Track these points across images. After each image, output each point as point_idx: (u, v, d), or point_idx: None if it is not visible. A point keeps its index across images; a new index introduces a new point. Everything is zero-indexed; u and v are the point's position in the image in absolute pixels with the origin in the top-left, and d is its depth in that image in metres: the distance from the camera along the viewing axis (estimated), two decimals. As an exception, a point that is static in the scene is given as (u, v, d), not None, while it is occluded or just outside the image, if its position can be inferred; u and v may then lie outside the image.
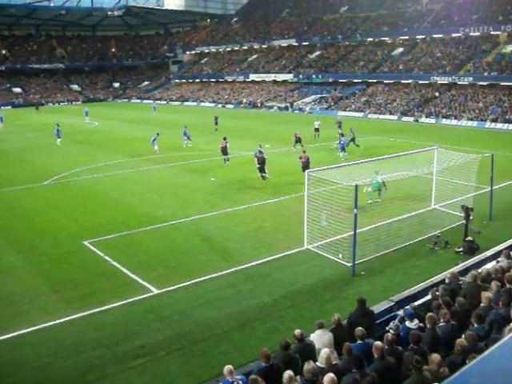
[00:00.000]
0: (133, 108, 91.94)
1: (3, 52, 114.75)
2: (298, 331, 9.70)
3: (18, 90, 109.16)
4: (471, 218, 19.46)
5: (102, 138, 49.91)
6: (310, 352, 9.37)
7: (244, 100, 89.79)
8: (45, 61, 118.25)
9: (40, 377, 11.71)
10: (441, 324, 9.64)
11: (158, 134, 40.99)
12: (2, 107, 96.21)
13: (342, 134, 37.54)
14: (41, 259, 18.69)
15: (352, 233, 16.56)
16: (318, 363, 8.44)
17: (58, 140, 45.79)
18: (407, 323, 9.95)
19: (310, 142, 41.66)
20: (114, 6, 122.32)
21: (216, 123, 53.56)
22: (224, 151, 34.85)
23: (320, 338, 9.88)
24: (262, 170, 29.81)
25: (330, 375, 7.53)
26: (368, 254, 17.56)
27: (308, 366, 8.03)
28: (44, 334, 13.32)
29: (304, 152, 30.61)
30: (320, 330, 10.08)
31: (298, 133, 39.88)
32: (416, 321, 9.92)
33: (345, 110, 72.85)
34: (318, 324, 10.23)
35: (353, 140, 39.63)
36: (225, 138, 35.40)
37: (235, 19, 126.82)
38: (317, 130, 46.31)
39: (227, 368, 8.62)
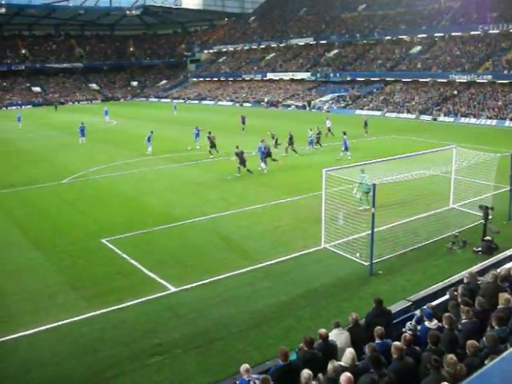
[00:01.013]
0: (151, 107, 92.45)
1: (23, 52, 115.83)
2: (323, 330, 9.66)
3: (37, 89, 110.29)
4: (490, 217, 19.31)
5: (121, 137, 50.21)
6: (332, 351, 9.37)
7: (266, 99, 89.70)
8: (64, 60, 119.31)
9: (59, 373, 11.80)
10: (464, 321, 9.59)
11: (152, 132, 40.67)
12: (23, 106, 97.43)
13: (345, 133, 37.05)
14: (60, 257, 18.84)
15: (369, 232, 16.52)
16: (340, 362, 8.43)
17: (82, 139, 46.08)
18: (426, 323, 9.88)
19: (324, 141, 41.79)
20: (132, 5, 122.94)
21: (243, 122, 52.66)
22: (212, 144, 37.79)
23: (337, 338, 9.87)
24: (242, 164, 30.82)
25: (347, 374, 7.52)
26: (386, 253, 17.48)
27: (332, 364, 8.03)
28: (63, 331, 13.44)
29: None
30: (336, 330, 10.07)
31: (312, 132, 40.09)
32: (435, 321, 9.85)
33: (362, 109, 72.68)
34: (334, 323, 10.22)
35: (318, 138, 40.21)
36: (210, 132, 38.30)
37: (253, 18, 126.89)
38: (329, 129, 46.02)
39: (244, 367, 8.63)
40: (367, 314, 10.87)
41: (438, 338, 8.77)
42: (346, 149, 35.60)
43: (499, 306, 9.87)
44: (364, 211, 20.46)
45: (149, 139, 40.03)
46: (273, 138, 38.39)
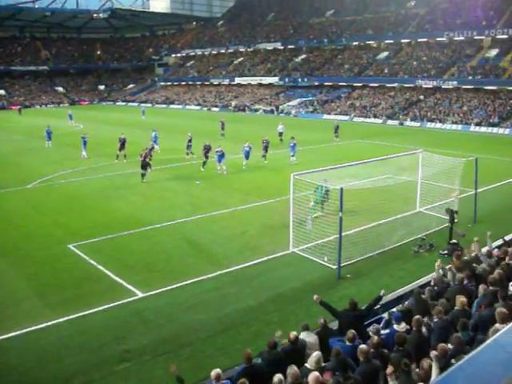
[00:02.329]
0: (118, 111, 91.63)
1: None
2: (293, 333, 9.70)
3: (1, 92, 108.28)
4: (456, 220, 19.62)
5: (87, 141, 49.55)
6: (299, 353, 9.40)
7: (233, 104, 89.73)
8: (29, 63, 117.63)
9: (25, 381, 11.59)
10: (436, 320, 9.73)
11: (86, 134, 40.25)
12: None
13: (293, 137, 37.10)
14: (25, 263, 18.50)
15: (337, 236, 16.61)
16: (306, 364, 8.46)
17: (48, 142, 45.32)
18: (395, 326, 9.98)
19: (276, 147, 41.48)
20: (100, 8, 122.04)
21: (222, 128, 51.44)
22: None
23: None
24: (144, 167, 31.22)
25: (315, 374, 7.57)
26: (353, 256, 17.61)
27: (290, 370, 8.05)
28: (28, 339, 13.18)
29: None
30: (305, 333, 10.10)
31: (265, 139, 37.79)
32: (403, 324, 9.95)
33: (330, 114, 73.19)
34: (302, 326, 10.25)
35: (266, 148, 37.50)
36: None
37: (221, 22, 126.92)
38: (280, 134, 45.82)
39: (215, 373, 8.54)
40: (340, 315, 10.94)
41: (404, 340, 8.86)
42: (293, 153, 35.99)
43: (456, 308, 10.09)
44: (323, 217, 20.35)
45: (84, 143, 39.52)
46: (189, 141, 38.80)
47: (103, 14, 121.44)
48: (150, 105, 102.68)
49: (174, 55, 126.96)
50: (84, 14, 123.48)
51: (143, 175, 30.77)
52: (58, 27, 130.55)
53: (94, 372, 11.80)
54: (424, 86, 70.95)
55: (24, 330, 13.47)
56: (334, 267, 16.84)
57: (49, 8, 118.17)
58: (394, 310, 10.82)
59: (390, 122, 65.82)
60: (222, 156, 32.51)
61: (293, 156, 35.82)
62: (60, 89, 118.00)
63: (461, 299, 10.15)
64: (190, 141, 38.85)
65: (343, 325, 10.54)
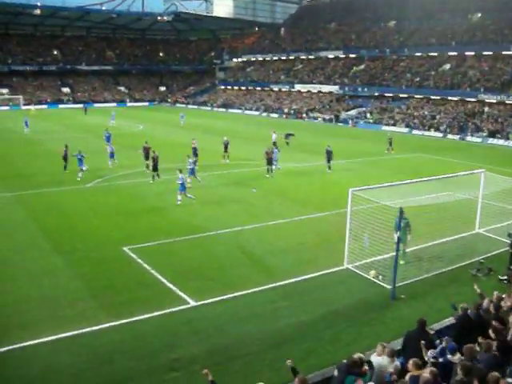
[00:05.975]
0: (178, 113, 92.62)
1: (55, 52, 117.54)
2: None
3: (66, 89, 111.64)
4: (517, 245, 18.98)
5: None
6: None
7: (292, 111, 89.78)
8: (94, 62, 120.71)
9: (77, 383, 11.80)
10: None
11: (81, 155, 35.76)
12: (53, 106, 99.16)
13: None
14: (81, 262, 18.89)
15: (393, 254, 16.31)
16: None
17: (107, 147, 45.36)
18: (449, 357, 9.69)
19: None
20: (164, 11, 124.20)
21: (286, 137, 49.95)
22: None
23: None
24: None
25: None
26: (409, 277, 17.24)
27: None
28: (81, 340, 13.43)
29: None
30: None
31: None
32: (458, 355, 9.67)
33: (389, 125, 72.09)
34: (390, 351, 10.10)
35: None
36: (194, 138, 40.71)
37: (283, 28, 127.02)
38: (274, 143, 42.24)
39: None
40: (408, 334, 10.75)
41: (469, 370, 8.54)
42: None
43: None
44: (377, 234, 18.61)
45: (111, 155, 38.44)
46: (195, 152, 38.74)
47: (167, 17, 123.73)
48: (209, 108, 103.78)
49: (235, 59, 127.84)
50: (148, 17, 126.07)
51: (153, 177, 32.36)
52: (123, 29, 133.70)
53: (144, 379, 11.96)
54: (487, 100, 69.09)
55: (78, 331, 13.71)
56: (389, 287, 16.52)
57: (115, 10, 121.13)
58: (450, 339, 10.51)
59: (450, 136, 64.39)
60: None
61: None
62: (122, 88, 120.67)
63: None
64: (226, 145, 39.97)
65: (407, 344, 10.36)
